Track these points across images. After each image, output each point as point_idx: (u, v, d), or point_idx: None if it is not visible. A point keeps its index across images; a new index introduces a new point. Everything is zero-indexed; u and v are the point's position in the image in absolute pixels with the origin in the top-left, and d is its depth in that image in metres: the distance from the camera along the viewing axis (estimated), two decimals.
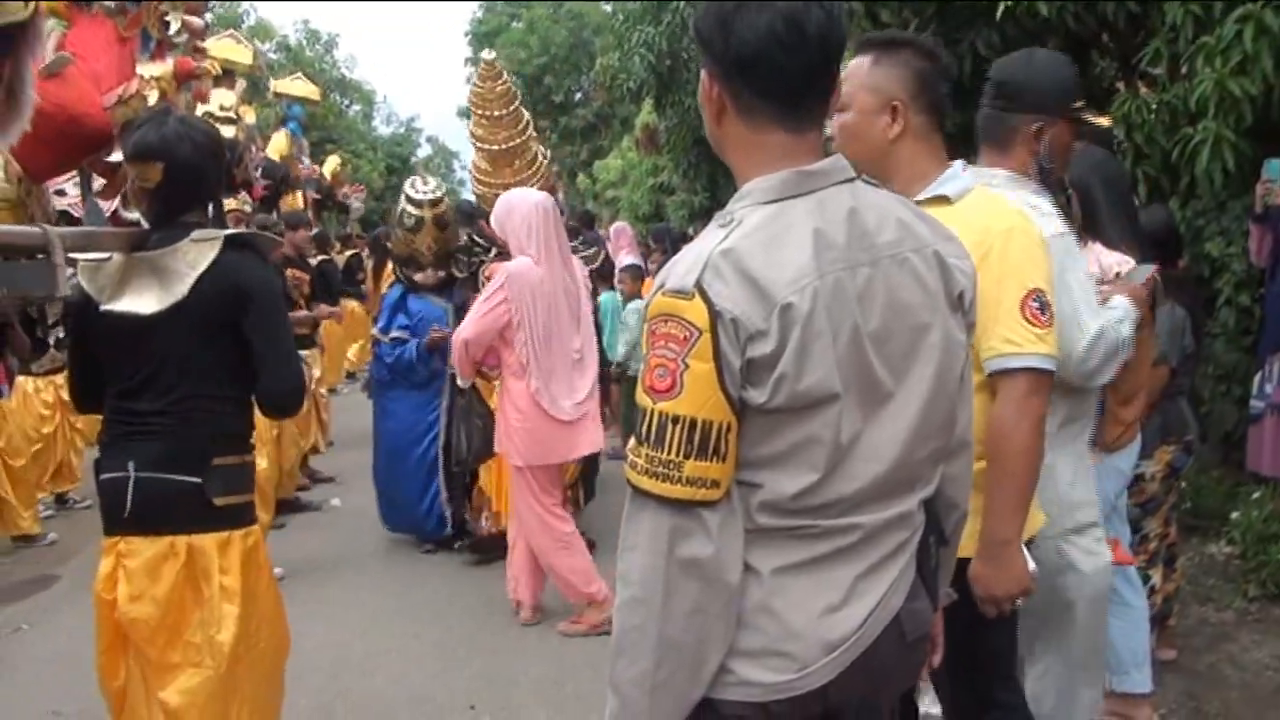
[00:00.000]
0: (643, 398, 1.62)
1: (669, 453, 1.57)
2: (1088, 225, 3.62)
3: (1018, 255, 2.41)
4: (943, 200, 2.47)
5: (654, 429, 1.59)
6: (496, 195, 5.93)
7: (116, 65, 6.84)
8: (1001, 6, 6.76)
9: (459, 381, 5.49)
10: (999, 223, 2.45)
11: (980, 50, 8.31)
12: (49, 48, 6.70)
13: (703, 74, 1.74)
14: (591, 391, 5.26)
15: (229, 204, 6.43)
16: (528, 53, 31.21)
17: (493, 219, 5.31)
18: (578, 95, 31.54)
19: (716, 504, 1.59)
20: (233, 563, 3.04)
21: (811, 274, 1.58)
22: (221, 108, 9.42)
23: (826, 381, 1.58)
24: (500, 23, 35.36)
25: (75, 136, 6.56)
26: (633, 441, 1.65)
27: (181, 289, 2.96)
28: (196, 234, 3.03)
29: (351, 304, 13.08)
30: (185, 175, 3.12)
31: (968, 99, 9.10)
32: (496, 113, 5.95)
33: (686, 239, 10.88)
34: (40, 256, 2.96)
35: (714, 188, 16.36)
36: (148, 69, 6.81)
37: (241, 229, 3.04)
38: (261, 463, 6.21)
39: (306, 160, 13.74)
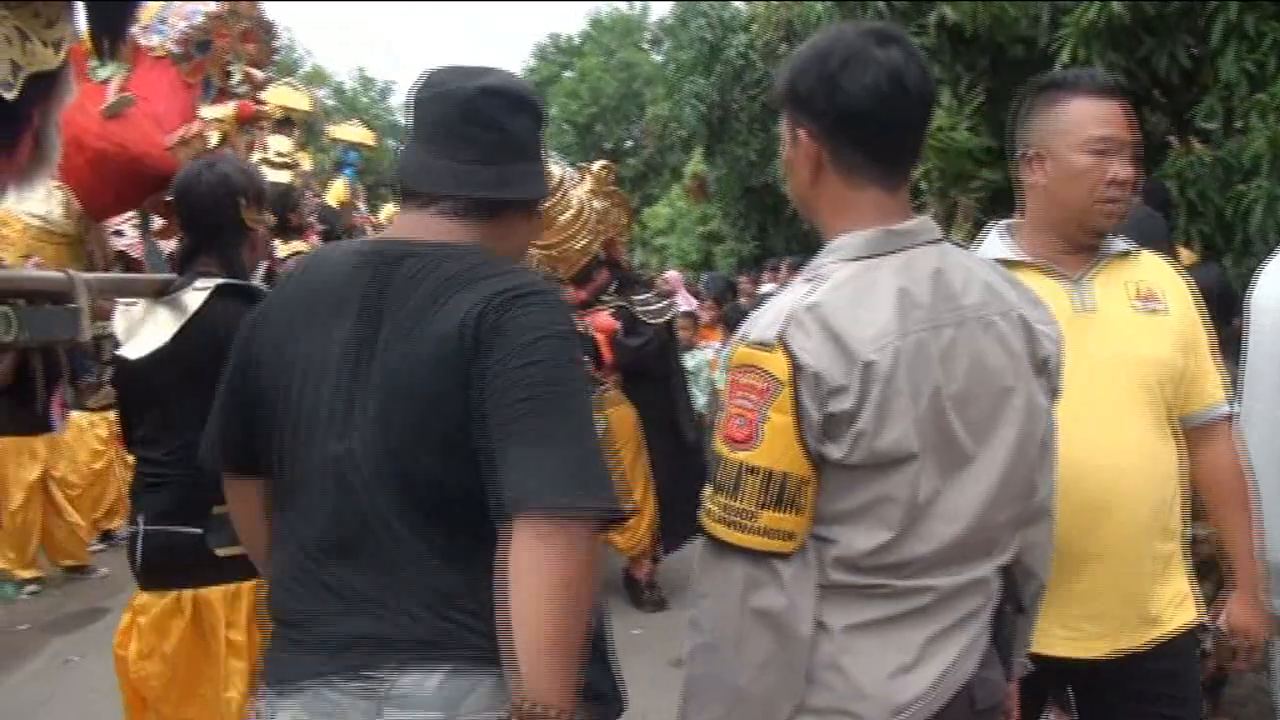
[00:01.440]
0: (720, 446, 1.63)
1: (744, 502, 1.58)
2: None
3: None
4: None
5: (730, 478, 1.60)
6: (548, 256, 5.91)
7: (179, 108, 6.98)
8: (1058, 65, 6.76)
9: None
10: (1174, 270, 2.50)
11: None
12: (111, 89, 6.86)
13: (798, 134, 1.73)
14: None
15: (296, 245, 6.47)
16: (579, 103, 31.55)
17: None
18: (628, 144, 31.80)
19: (790, 556, 1.59)
20: (240, 616, 2.95)
21: (894, 333, 1.58)
22: (278, 154, 9.55)
23: (905, 441, 1.58)
24: (552, 72, 35.84)
25: (137, 176, 6.64)
26: (709, 488, 1.65)
27: (164, 336, 2.91)
28: (199, 282, 2.96)
29: None
30: (198, 219, 3.09)
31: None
32: None
33: (733, 288, 10.91)
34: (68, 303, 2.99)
35: (763, 236, 16.44)
36: (209, 111, 6.94)
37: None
38: None
39: (363, 207, 13.91)
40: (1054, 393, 1.81)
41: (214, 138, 6.94)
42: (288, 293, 2.00)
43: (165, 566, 2.97)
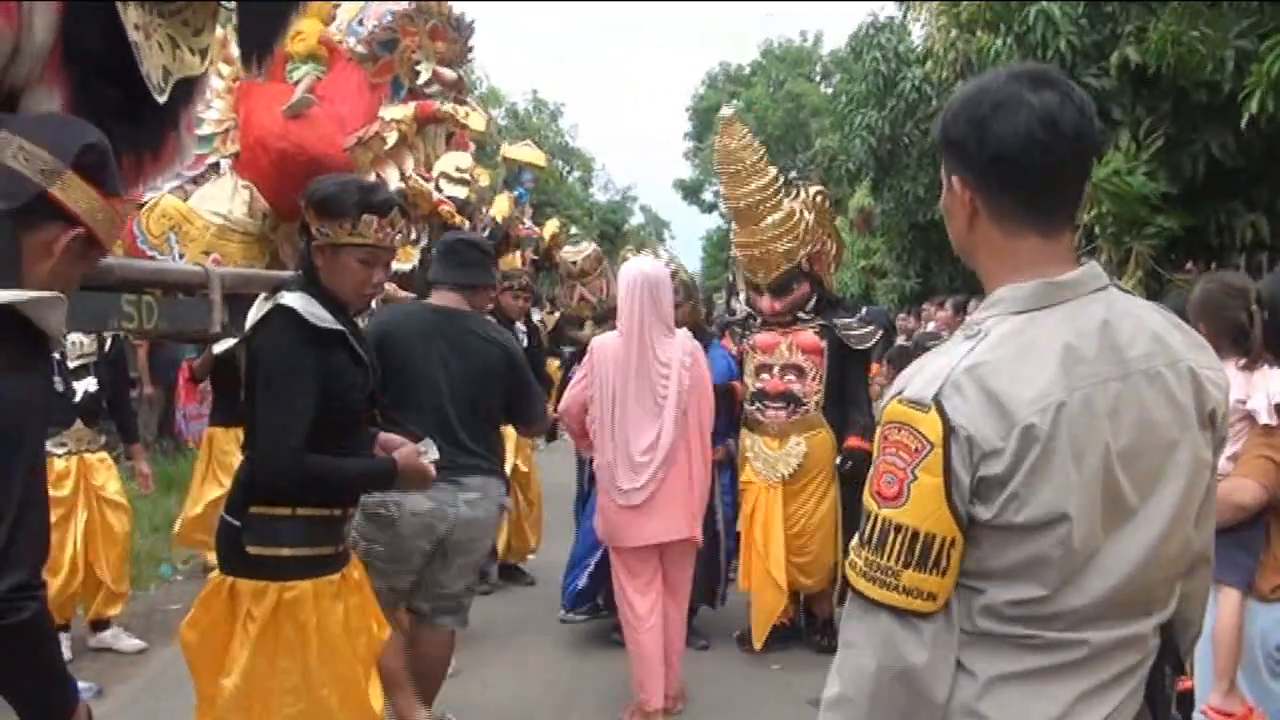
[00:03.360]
0: (869, 500, 1.62)
1: (888, 559, 1.57)
2: (1272, 345, 3.44)
3: None
4: None
5: (876, 534, 1.59)
6: (750, 256, 5.85)
7: (364, 109, 7.13)
8: (1246, 115, 6.55)
9: (580, 453, 5.35)
10: None
11: (1213, 152, 8.10)
12: (299, 90, 7.09)
13: (952, 180, 1.73)
14: (655, 478, 4.88)
15: None
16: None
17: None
18: (792, 174, 31.77)
19: (932, 615, 1.57)
20: (261, 613, 3.04)
21: (1058, 391, 1.54)
22: (458, 169, 9.78)
23: (1057, 503, 1.53)
24: (720, 99, 36.04)
25: (314, 176, 6.81)
26: (855, 541, 1.65)
27: (232, 340, 3.16)
28: (280, 294, 3.11)
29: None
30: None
31: (1197, 201, 8.90)
32: (732, 168, 5.78)
33: (892, 325, 10.79)
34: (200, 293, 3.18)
35: (927, 274, 16.25)
36: (389, 111, 7.04)
37: (296, 299, 3.07)
38: None
39: (528, 221, 14.13)
40: (1220, 444, 1.74)
41: (391, 138, 7.03)
42: (402, 325, 4.43)
43: (219, 550, 3.18)
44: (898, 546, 1.56)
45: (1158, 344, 1.65)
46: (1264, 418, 3.36)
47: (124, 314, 2.87)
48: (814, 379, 5.78)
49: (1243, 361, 3.51)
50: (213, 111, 7.20)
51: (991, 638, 1.60)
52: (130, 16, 2.32)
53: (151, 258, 6.66)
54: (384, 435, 3.43)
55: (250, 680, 3.04)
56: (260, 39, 3.03)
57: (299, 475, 3.06)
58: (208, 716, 3.13)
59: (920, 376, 1.60)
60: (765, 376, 5.84)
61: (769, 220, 5.77)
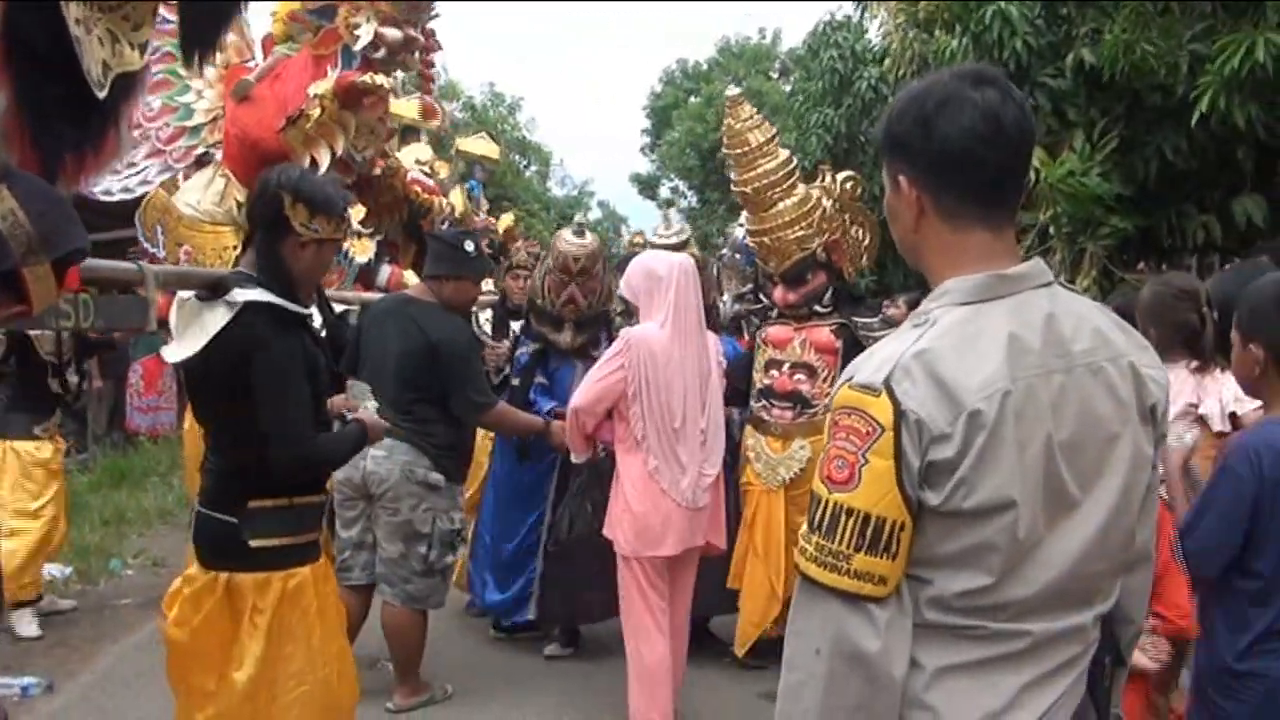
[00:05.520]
0: (819, 485, 1.64)
1: (839, 544, 1.59)
2: (1223, 348, 3.34)
3: None
4: None
5: (827, 518, 1.61)
6: (761, 244, 5.50)
7: (308, 86, 6.87)
8: (1198, 114, 6.60)
9: (572, 457, 4.98)
10: None
11: (1166, 154, 8.17)
12: (257, 72, 6.89)
13: (898, 179, 1.76)
14: (717, 480, 4.76)
15: None
16: (704, 127, 31.67)
17: (623, 280, 4.90)
18: None
19: (885, 600, 1.59)
20: (268, 603, 3.08)
21: (1003, 379, 1.57)
22: (418, 161, 9.66)
23: (1004, 489, 1.57)
24: (678, 97, 36.04)
25: (257, 159, 6.67)
26: (804, 528, 1.66)
27: (193, 347, 3.05)
28: (234, 293, 3.08)
29: None
30: (249, 210, 3.39)
31: (1149, 203, 8.97)
32: (739, 150, 5.43)
33: None
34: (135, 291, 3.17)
35: (881, 272, 16.29)
36: (314, 87, 6.63)
37: (258, 294, 3.07)
38: None
39: (483, 214, 14.05)
40: (1160, 439, 1.79)
41: (315, 114, 6.60)
42: (375, 310, 5.30)
43: (208, 547, 3.18)
44: (849, 530, 1.58)
45: (1100, 339, 1.70)
46: (1217, 424, 3.39)
47: (61, 312, 2.85)
48: (825, 380, 5.37)
49: (1194, 364, 3.52)
50: (203, 101, 7.05)
51: (938, 629, 1.63)
52: (72, 11, 2.28)
53: (147, 250, 6.72)
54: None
55: (262, 670, 3.07)
56: (202, 37, 2.99)
57: (314, 458, 3.23)
58: (207, 710, 3.12)
59: (870, 363, 1.64)
60: (774, 373, 5.46)
61: (781, 205, 5.39)
